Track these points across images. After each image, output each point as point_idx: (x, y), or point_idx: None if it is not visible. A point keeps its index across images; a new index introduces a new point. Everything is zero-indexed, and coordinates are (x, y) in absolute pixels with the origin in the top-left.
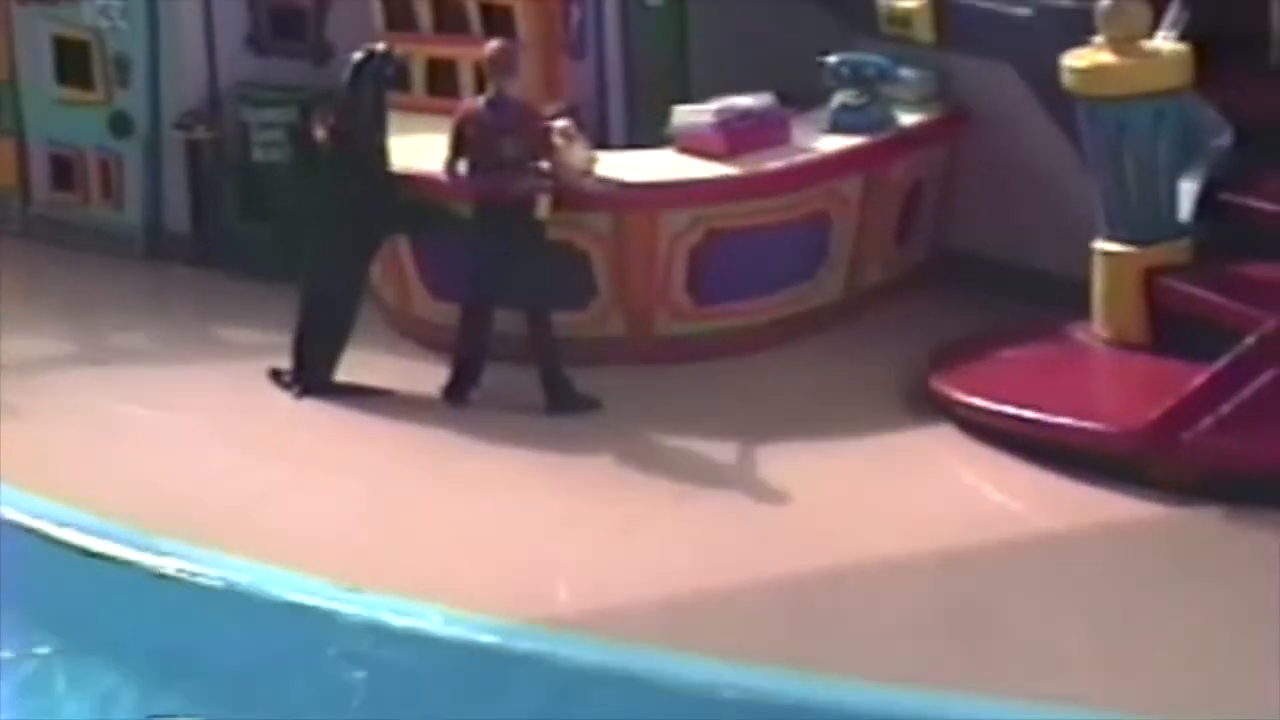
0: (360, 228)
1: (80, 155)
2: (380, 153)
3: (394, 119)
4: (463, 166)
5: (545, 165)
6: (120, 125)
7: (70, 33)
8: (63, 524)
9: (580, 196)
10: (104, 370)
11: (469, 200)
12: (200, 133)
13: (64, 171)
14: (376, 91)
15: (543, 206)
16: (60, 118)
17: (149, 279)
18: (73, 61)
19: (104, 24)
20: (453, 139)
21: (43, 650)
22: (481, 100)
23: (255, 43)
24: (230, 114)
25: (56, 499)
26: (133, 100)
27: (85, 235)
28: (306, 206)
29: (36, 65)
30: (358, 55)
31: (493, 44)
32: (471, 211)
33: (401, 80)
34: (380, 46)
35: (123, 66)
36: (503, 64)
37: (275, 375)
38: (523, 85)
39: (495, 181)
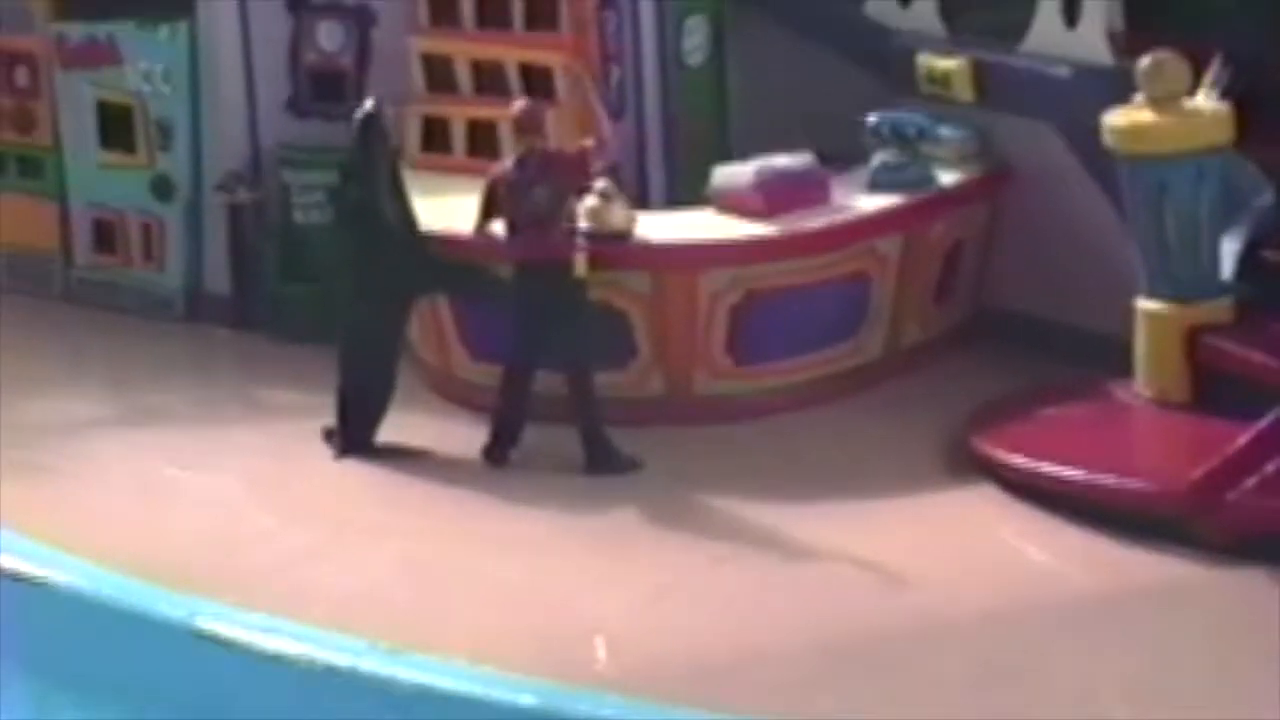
0: (391, 289)
1: (122, 218)
2: (404, 211)
3: (434, 180)
4: (499, 227)
5: (583, 224)
6: (162, 188)
7: (113, 97)
8: (101, 585)
9: (619, 256)
10: (145, 432)
11: (507, 261)
12: (241, 195)
13: (106, 235)
14: (385, 148)
15: (580, 264)
16: (103, 181)
17: (190, 341)
18: (115, 125)
19: (147, 88)
20: (483, 202)
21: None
22: (509, 161)
23: (296, 105)
24: (271, 176)
25: (98, 560)
26: (174, 163)
27: (127, 298)
28: (341, 268)
29: (80, 129)
30: (358, 116)
31: (518, 104)
32: (511, 273)
33: (440, 140)
34: (370, 103)
35: (165, 130)
36: (529, 123)
37: (328, 435)
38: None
39: (533, 238)
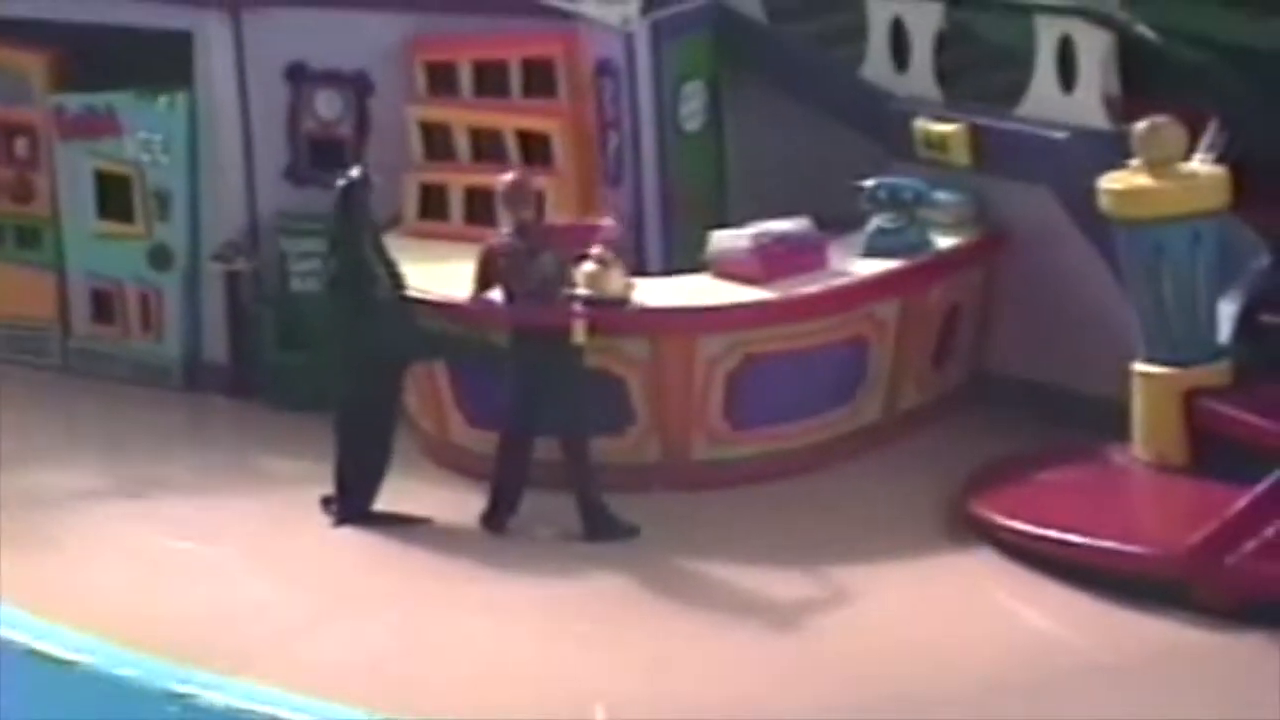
0: (383, 356)
1: (120, 288)
2: (393, 278)
3: (432, 247)
4: (496, 295)
5: (581, 291)
6: (160, 258)
7: (112, 167)
8: (98, 657)
9: (616, 321)
10: (142, 502)
11: (505, 328)
12: (239, 264)
13: (104, 304)
14: (364, 216)
15: (579, 332)
16: (101, 251)
17: (188, 410)
18: (114, 195)
19: (145, 158)
20: (479, 272)
21: None
22: (505, 232)
23: (294, 174)
24: (269, 244)
25: (94, 632)
26: (172, 233)
27: (124, 368)
28: (333, 336)
29: (78, 199)
30: (340, 183)
31: (505, 177)
32: (507, 339)
33: (439, 208)
34: (355, 171)
35: (163, 199)
36: (516, 196)
37: (326, 503)
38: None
39: (534, 305)
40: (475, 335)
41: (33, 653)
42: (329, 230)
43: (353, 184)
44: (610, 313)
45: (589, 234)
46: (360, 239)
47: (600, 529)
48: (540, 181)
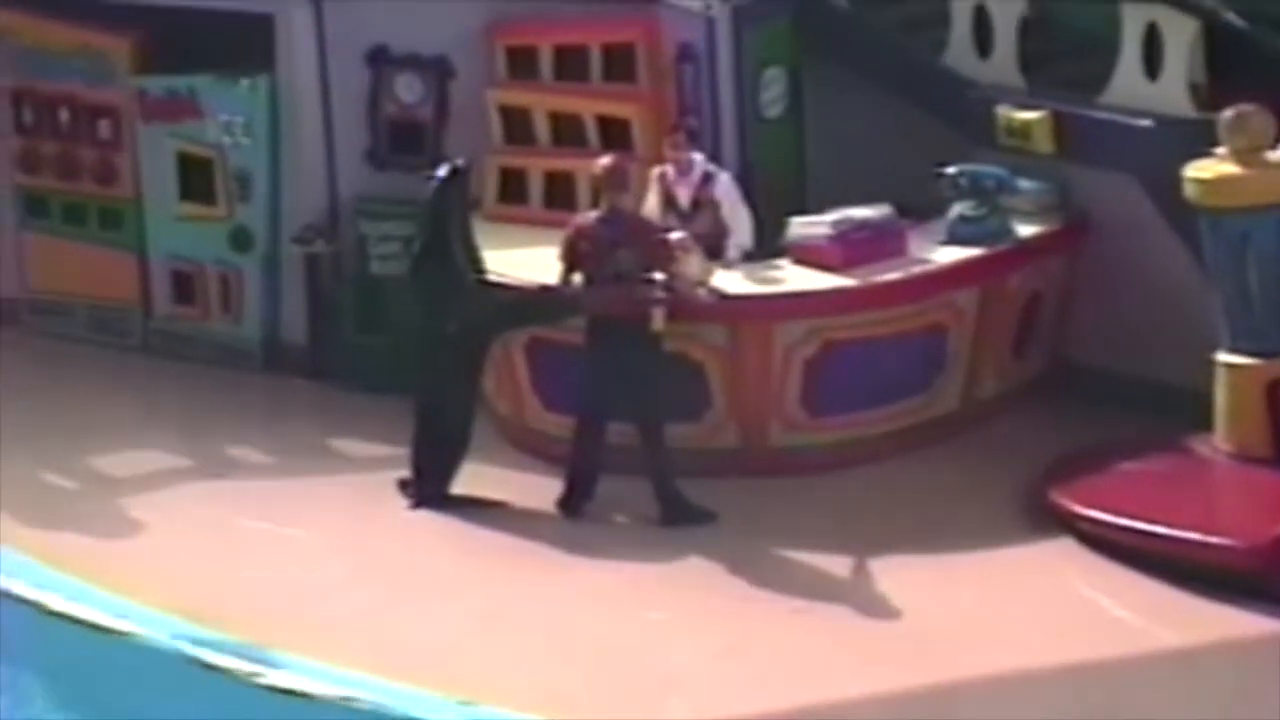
0: (465, 338)
1: (201, 270)
2: (475, 262)
3: (511, 232)
4: (578, 279)
5: (661, 277)
6: (240, 240)
7: (194, 149)
8: (177, 636)
9: (694, 308)
10: (222, 483)
11: (585, 313)
12: (319, 246)
13: (185, 286)
14: (462, 204)
15: (658, 319)
16: (182, 233)
17: (266, 392)
18: (195, 177)
19: (227, 140)
20: (564, 254)
21: None
22: (593, 216)
23: (374, 157)
24: (349, 228)
25: (174, 611)
26: (253, 215)
27: (204, 349)
28: (416, 318)
29: (160, 182)
30: (442, 172)
31: (603, 160)
32: (586, 324)
33: (517, 192)
34: (460, 161)
35: (244, 182)
36: (614, 180)
37: (404, 486)
38: (637, 198)
39: (611, 294)
40: (544, 294)
41: (108, 630)
42: (418, 213)
43: (457, 171)
44: (689, 301)
45: (666, 247)
46: (449, 225)
47: (676, 514)
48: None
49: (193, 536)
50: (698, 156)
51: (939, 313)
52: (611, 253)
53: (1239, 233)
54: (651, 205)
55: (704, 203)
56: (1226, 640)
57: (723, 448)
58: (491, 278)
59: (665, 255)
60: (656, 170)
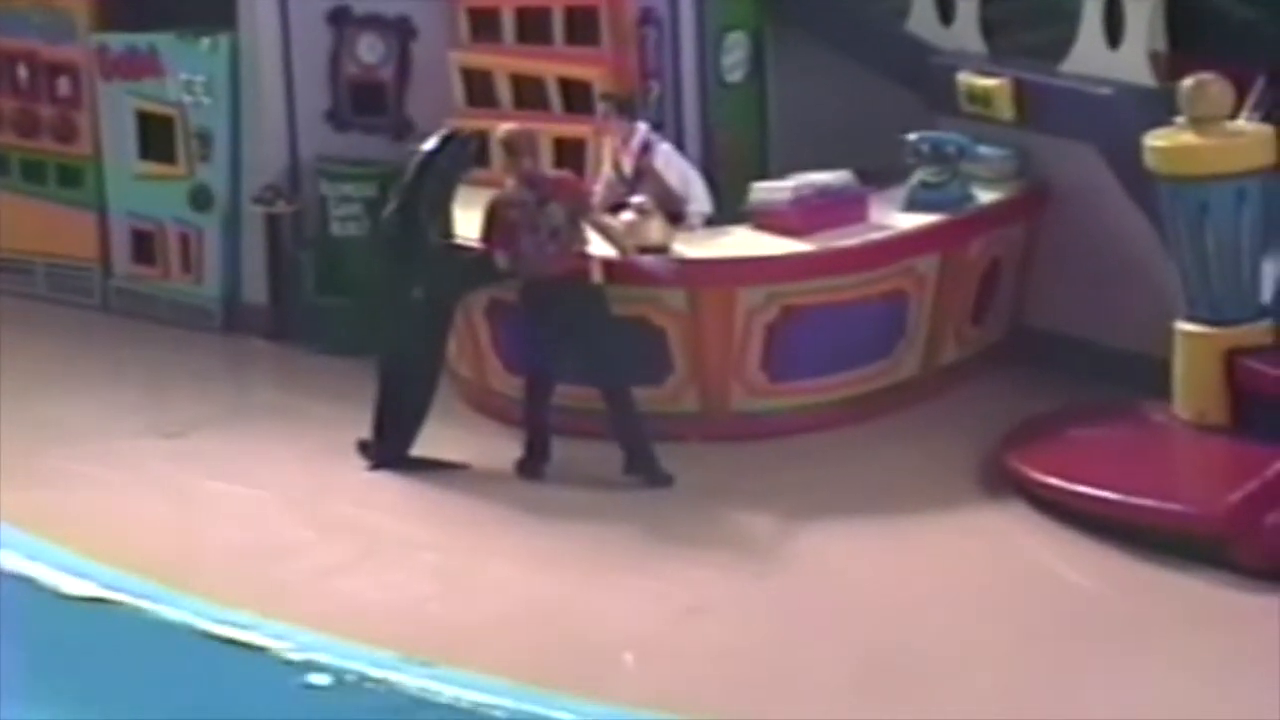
0: (432, 300)
1: (161, 229)
2: (445, 225)
3: (474, 193)
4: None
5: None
6: (201, 199)
7: (154, 107)
8: (135, 594)
9: (654, 274)
10: (180, 442)
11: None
12: (279, 207)
13: (144, 245)
14: (450, 171)
15: (596, 272)
16: (142, 192)
17: (226, 352)
18: (155, 136)
19: (187, 99)
20: (485, 223)
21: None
22: (510, 184)
23: (335, 118)
24: (309, 188)
25: (130, 569)
26: (213, 174)
27: (164, 308)
28: (382, 281)
29: (120, 140)
30: (441, 134)
31: (506, 127)
32: (522, 287)
33: (480, 156)
34: (462, 129)
35: (204, 141)
36: (519, 145)
37: (363, 447)
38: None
39: (552, 252)
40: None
41: (65, 590)
42: (396, 176)
43: (450, 139)
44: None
45: (579, 187)
46: (429, 188)
47: (639, 466)
48: (541, 130)
49: (152, 496)
50: (642, 125)
51: (899, 279)
52: (542, 210)
53: (1198, 202)
54: (605, 172)
55: (645, 170)
56: (1183, 607)
57: (683, 412)
58: (457, 241)
59: (588, 202)
60: (608, 139)
